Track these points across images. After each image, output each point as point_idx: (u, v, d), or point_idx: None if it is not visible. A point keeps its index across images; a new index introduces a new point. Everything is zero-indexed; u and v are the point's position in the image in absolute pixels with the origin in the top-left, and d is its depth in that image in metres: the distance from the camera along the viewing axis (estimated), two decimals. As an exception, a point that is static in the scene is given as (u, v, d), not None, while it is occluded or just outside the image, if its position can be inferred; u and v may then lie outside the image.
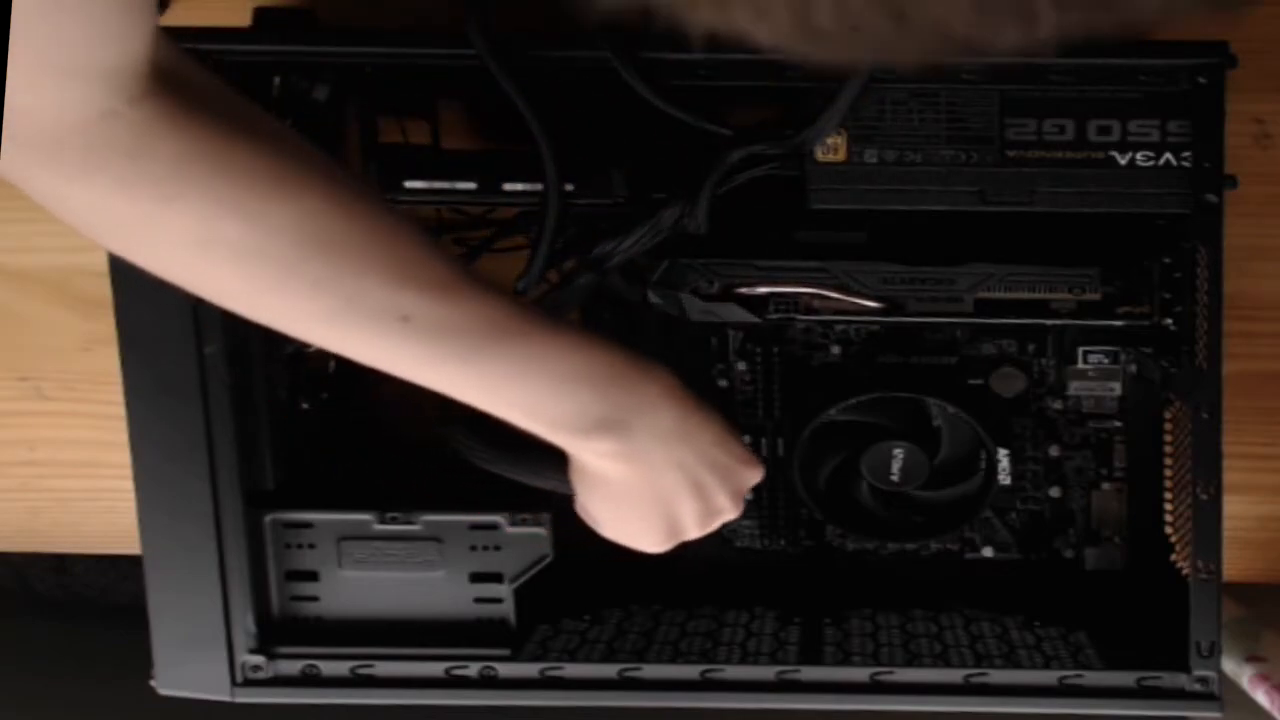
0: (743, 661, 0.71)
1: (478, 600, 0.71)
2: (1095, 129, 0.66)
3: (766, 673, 0.70)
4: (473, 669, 0.71)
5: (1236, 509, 0.78)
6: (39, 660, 1.33)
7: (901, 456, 0.73)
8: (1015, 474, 0.79)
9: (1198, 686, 0.68)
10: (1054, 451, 0.79)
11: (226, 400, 0.68)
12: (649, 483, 0.61)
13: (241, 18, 0.71)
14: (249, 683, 0.71)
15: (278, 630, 0.71)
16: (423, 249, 0.55)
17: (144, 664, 0.71)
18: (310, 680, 0.71)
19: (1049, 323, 0.72)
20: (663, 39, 0.57)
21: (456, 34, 0.64)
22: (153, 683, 0.71)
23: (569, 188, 0.68)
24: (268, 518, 0.71)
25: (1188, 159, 0.65)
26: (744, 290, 0.71)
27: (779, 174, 0.67)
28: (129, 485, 0.69)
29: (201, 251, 0.51)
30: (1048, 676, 0.69)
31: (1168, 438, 0.76)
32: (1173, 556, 0.73)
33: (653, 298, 0.71)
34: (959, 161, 0.66)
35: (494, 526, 0.70)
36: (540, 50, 0.65)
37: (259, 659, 0.71)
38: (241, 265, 0.51)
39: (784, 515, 0.81)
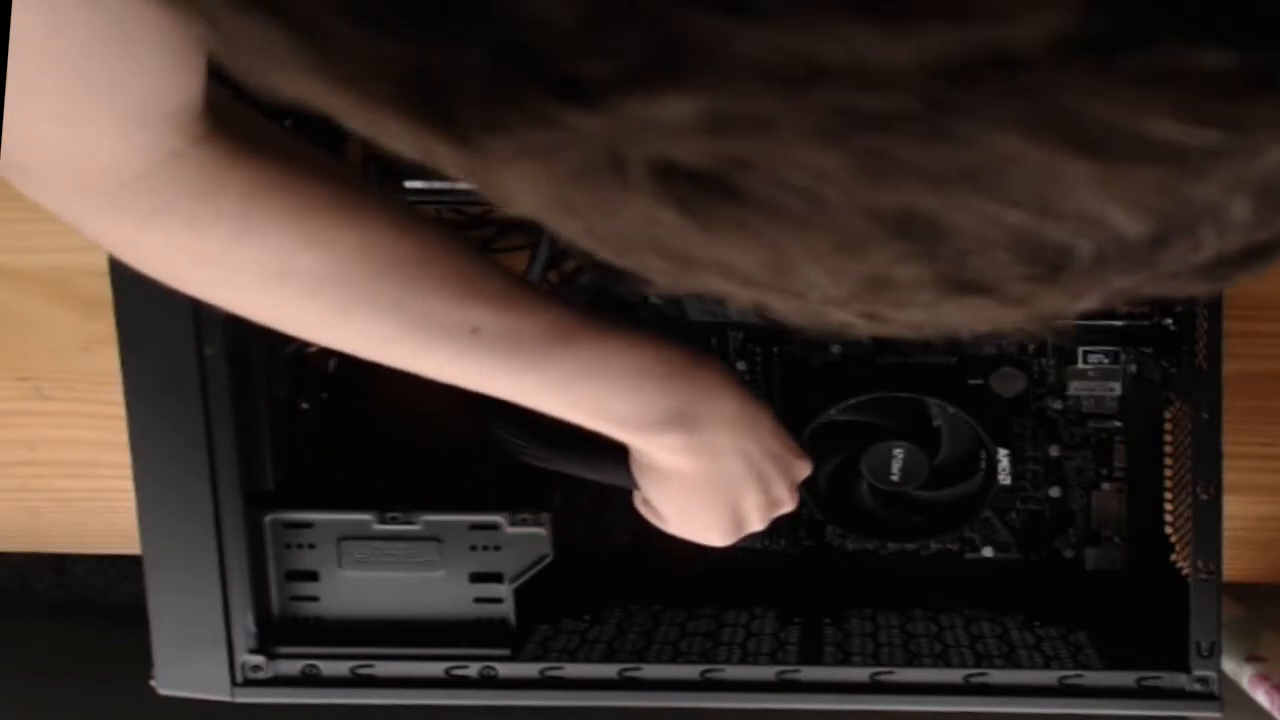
0: (743, 661, 0.71)
1: (478, 600, 0.71)
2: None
3: (766, 673, 0.70)
4: (473, 669, 0.70)
5: (1236, 509, 0.78)
6: (39, 660, 1.33)
7: (901, 456, 0.73)
8: (1015, 474, 0.79)
9: (1198, 686, 0.68)
10: (1054, 451, 0.79)
11: (226, 400, 0.68)
12: (715, 475, 0.61)
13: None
14: (249, 683, 0.71)
15: (278, 630, 0.71)
16: (480, 263, 0.55)
17: (144, 664, 0.71)
18: (310, 680, 0.71)
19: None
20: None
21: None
22: (153, 683, 0.71)
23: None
24: (268, 518, 0.71)
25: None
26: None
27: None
28: (129, 485, 0.69)
29: (278, 283, 0.51)
30: (1048, 676, 0.69)
31: (1168, 438, 0.76)
32: (1173, 556, 0.73)
33: (653, 298, 0.71)
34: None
35: (494, 526, 0.70)
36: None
37: (259, 659, 0.71)
38: (318, 294, 0.52)
39: (784, 515, 0.80)
